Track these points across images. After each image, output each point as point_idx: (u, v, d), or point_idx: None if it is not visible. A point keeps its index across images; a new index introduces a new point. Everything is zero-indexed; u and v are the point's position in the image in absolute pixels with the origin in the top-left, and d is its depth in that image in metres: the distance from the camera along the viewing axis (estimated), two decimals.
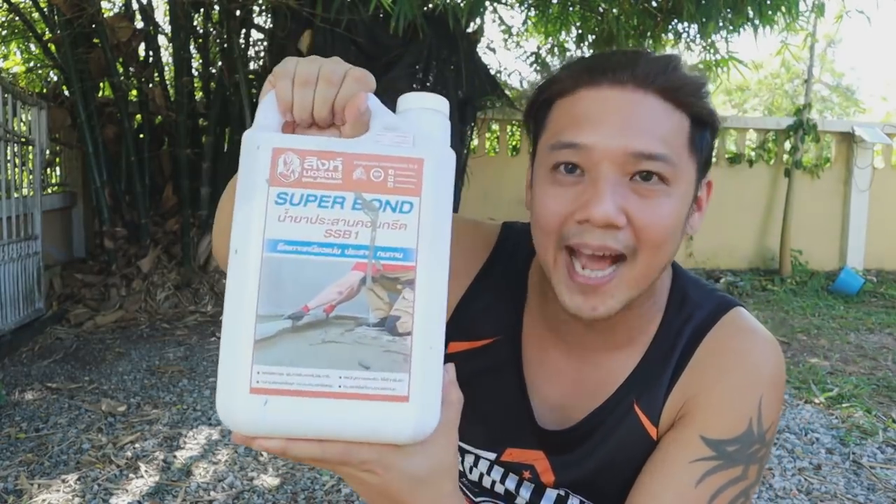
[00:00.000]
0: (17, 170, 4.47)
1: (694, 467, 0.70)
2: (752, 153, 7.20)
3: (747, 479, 0.72)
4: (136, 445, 2.67)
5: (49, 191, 5.47)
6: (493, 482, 0.85)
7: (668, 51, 4.77)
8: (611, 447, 0.77)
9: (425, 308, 0.50)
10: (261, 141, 0.52)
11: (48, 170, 5.42)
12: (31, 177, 4.76)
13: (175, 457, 2.58)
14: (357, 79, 0.55)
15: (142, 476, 2.42)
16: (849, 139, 7.12)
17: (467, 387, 0.80)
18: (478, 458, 0.85)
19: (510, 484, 0.82)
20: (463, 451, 0.86)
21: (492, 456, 0.83)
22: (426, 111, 0.56)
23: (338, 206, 0.51)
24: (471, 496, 0.89)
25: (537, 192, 0.72)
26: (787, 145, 7.05)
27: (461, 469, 0.89)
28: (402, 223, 0.51)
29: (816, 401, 3.35)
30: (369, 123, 0.55)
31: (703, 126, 0.71)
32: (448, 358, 0.82)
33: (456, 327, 0.83)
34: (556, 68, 0.75)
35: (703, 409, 0.73)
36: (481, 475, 0.86)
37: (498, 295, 0.84)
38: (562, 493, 0.81)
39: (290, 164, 0.51)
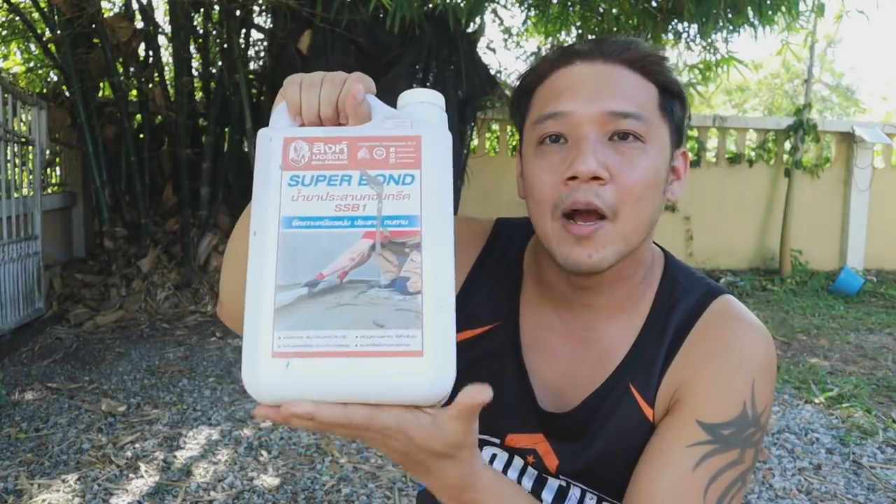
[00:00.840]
0: (17, 170, 4.47)
1: (691, 451, 0.72)
2: (752, 153, 7.20)
3: (744, 462, 0.73)
4: (136, 445, 2.67)
5: (49, 191, 5.47)
6: None
7: (668, 50, 4.78)
8: (610, 434, 0.78)
9: (433, 268, 0.53)
10: (273, 133, 0.58)
11: (48, 170, 5.42)
12: (31, 177, 4.76)
13: (175, 457, 2.58)
14: (357, 79, 0.60)
15: (142, 476, 2.42)
16: (849, 139, 7.12)
17: (469, 374, 0.84)
18: (482, 445, 0.86)
19: (513, 474, 0.84)
20: None
21: (496, 440, 0.84)
22: (423, 105, 0.60)
23: (345, 184, 0.55)
24: None
25: (528, 169, 0.77)
26: (787, 145, 7.05)
27: None
28: (405, 193, 0.54)
29: (816, 401, 3.35)
30: (371, 116, 0.59)
31: (672, 95, 0.76)
32: None
33: (456, 318, 0.85)
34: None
35: (697, 394, 0.75)
36: None
37: (494, 283, 0.87)
38: (563, 483, 0.82)
39: (300, 150, 0.56)
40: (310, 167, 0.55)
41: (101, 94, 5.69)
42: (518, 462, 0.84)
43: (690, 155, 0.81)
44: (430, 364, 0.51)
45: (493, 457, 0.85)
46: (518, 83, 0.80)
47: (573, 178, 0.71)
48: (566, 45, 0.78)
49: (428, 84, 5.06)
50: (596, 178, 0.70)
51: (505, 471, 0.84)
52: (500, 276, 0.87)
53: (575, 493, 0.81)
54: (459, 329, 0.85)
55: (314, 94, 0.59)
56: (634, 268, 0.79)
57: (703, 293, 0.80)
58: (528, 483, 0.83)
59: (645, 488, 0.72)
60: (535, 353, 0.83)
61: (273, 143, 0.57)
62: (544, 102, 0.75)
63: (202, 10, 5.55)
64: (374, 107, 0.60)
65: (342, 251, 0.53)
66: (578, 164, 0.70)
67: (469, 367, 0.82)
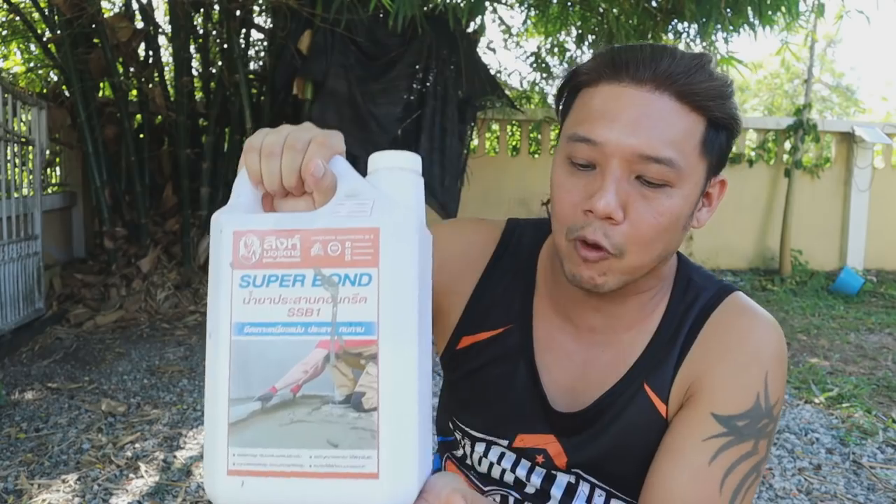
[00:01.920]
0: (17, 170, 4.46)
1: (707, 445, 0.72)
2: (752, 153, 7.21)
3: (758, 453, 0.74)
4: (136, 445, 2.67)
5: (49, 191, 5.47)
6: (504, 471, 0.86)
7: None
8: (622, 427, 0.79)
9: (390, 382, 0.50)
10: (223, 224, 0.54)
11: (48, 170, 5.42)
12: (31, 177, 4.76)
13: (175, 457, 2.58)
14: (321, 143, 0.55)
15: (142, 476, 2.42)
16: (849, 139, 7.12)
17: (480, 376, 0.84)
18: (490, 445, 0.86)
19: (521, 472, 0.84)
20: (474, 440, 0.87)
21: (504, 442, 0.85)
22: (394, 171, 0.57)
23: (298, 284, 0.52)
24: (479, 485, 0.90)
25: (555, 178, 0.76)
26: (787, 145, 7.05)
27: (469, 462, 0.90)
28: (361, 296, 0.51)
29: (816, 401, 3.35)
30: (335, 186, 0.55)
31: (720, 127, 0.73)
32: (461, 352, 0.86)
33: (468, 323, 0.86)
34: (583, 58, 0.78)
35: (712, 388, 0.75)
36: (491, 465, 0.87)
37: (507, 285, 0.87)
38: (572, 479, 0.82)
39: (250, 246, 0.53)
40: (261, 265, 0.52)
41: (101, 94, 5.68)
42: (526, 460, 0.84)
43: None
44: (386, 486, 0.49)
45: (502, 455, 0.85)
46: (566, 77, 0.77)
47: (589, 210, 0.70)
48: (621, 46, 0.73)
49: (428, 84, 5.06)
50: (610, 217, 0.69)
51: (513, 469, 0.85)
52: (513, 276, 0.87)
53: (584, 489, 0.82)
54: (472, 332, 0.86)
55: (275, 164, 0.55)
56: (653, 282, 0.80)
57: (717, 290, 0.81)
58: (537, 480, 0.83)
59: (661, 484, 0.73)
60: (549, 353, 0.84)
61: (223, 237, 0.53)
62: (581, 118, 0.72)
63: (202, 10, 5.55)
64: (339, 175, 0.55)
65: (295, 362, 0.51)
66: (597, 200, 0.69)
67: (480, 369, 0.85)
